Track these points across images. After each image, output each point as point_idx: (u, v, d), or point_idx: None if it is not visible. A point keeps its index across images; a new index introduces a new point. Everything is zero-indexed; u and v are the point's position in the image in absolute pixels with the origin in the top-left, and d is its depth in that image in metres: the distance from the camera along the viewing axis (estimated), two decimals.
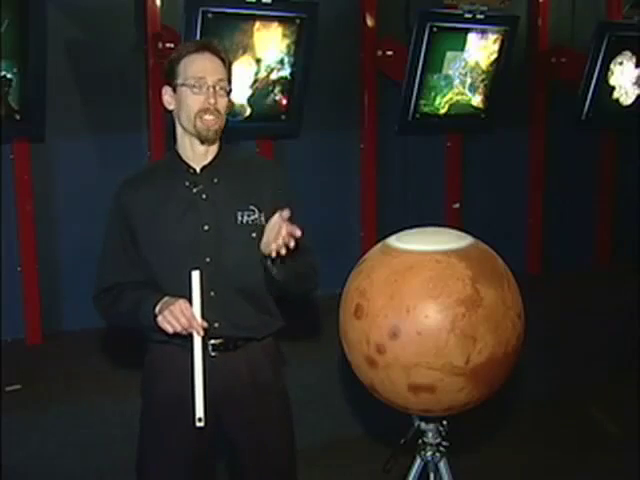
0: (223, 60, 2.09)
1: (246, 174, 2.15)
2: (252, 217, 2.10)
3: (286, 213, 1.87)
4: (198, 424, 1.94)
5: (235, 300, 2.10)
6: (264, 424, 2.16)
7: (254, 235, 2.08)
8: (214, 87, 2.04)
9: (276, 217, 1.89)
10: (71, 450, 3.15)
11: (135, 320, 2.05)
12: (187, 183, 2.10)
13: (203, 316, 1.96)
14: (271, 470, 2.20)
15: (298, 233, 1.86)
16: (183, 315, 1.94)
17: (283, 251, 1.87)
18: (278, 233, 1.86)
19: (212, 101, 2.04)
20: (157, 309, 1.99)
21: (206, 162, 2.12)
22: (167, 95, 2.12)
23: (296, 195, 2.21)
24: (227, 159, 2.15)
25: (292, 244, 1.86)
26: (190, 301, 1.96)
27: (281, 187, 2.17)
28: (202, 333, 1.95)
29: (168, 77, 2.10)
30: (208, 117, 2.04)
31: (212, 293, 2.05)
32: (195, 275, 1.95)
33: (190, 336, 1.95)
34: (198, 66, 2.05)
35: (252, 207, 2.10)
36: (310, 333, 3.84)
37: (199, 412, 1.93)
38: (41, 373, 3.48)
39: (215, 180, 2.11)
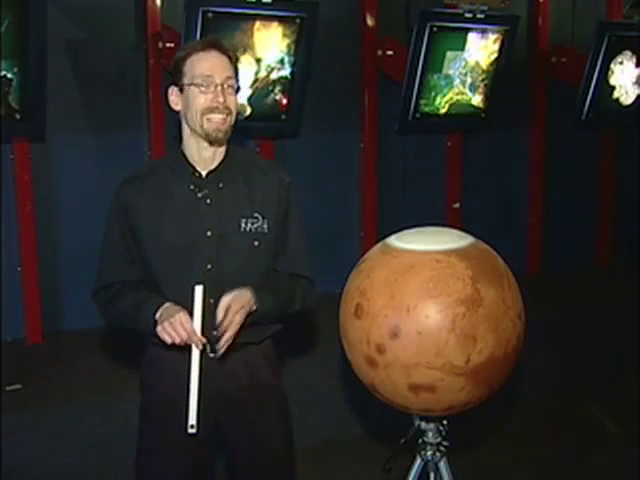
0: (230, 58, 2.05)
1: (251, 179, 2.12)
2: (256, 225, 2.08)
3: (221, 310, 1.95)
4: (190, 431, 1.92)
5: None
6: (263, 426, 2.16)
7: (256, 243, 2.07)
8: (222, 85, 2.00)
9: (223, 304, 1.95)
10: (71, 450, 3.14)
11: (134, 323, 2.04)
12: (192, 186, 2.07)
13: (203, 331, 1.94)
14: (270, 472, 2.19)
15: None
16: (184, 329, 1.92)
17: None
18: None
19: (221, 99, 1.99)
20: (157, 315, 1.98)
21: (212, 167, 2.09)
22: (173, 95, 2.07)
23: (299, 204, 2.20)
24: (233, 163, 2.12)
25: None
26: (191, 313, 1.94)
27: (286, 197, 2.14)
28: (201, 347, 1.95)
29: (174, 77, 2.05)
30: (217, 116, 2.00)
31: (211, 300, 2.01)
32: (198, 290, 1.93)
33: (188, 346, 1.95)
34: (205, 64, 2.01)
35: (256, 214, 2.08)
36: (310, 333, 3.84)
37: (192, 419, 1.92)
38: (41, 373, 3.48)
39: (220, 185, 2.08)
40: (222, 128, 2.02)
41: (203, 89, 2.00)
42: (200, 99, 2.01)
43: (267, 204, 2.10)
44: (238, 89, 2.08)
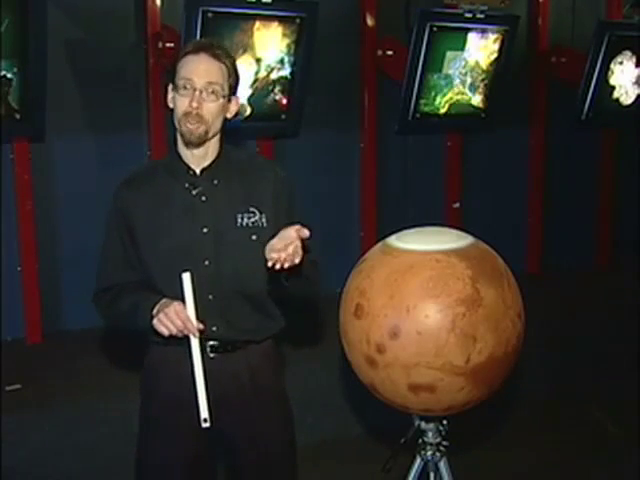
0: (224, 63, 2.02)
1: (246, 175, 2.12)
2: (252, 219, 2.07)
3: (305, 233, 1.85)
4: (204, 425, 1.94)
5: (234, 303, 2.08)
6: (263, 426, 2.15)
7: (254, 237, 2.06)
8: (201, 91, 1.98)
9: (293, 232, 1.85)
10: (71, 450, 3.14)
11: (133, 322, 2.04)
12: (187, 185, 2.07)
13: (198, 318, 1.95)
14: (270, 473, 2.19)
15: (297, 260, 1.86)
16: (178, 317, 1.93)
17: (277, 266, 1.87)
18: (286, 246, 1.85)
19: (194, 104, 1.97)
20: (154, 311, 1.98)
21: (206, 164, 2.09)
22: (170, 94, 2.07)
23: (297, 198, 2.19)
24: (227, 160, 2.12)
25: (287, 264, 1.85)
26: (184, 303, 1.95)
27: (282, 190, 2.13)
28: (198, 335, 1.95)
29: (173, 76, 2.05)
30: (189, 124, 1.99)
31: (210, 296, 2.03)
32: (186, 277, 1.94)
33: (187, 338, 1.95)
34: (189, 67, 2.00)
35: (252, 209, 2.08)
36: (310, 333, 3.84)
37: (204, 413, 1.93)
38: (41, 373, 3.48)
39: (215, 182, 2.09)
40: (195, 132, 2.01)
41: (182, 92, 1.99)
42: (179, 102, 2.00)
43: (263, 198, 2.10)
44: (225, 96, 2.02)
